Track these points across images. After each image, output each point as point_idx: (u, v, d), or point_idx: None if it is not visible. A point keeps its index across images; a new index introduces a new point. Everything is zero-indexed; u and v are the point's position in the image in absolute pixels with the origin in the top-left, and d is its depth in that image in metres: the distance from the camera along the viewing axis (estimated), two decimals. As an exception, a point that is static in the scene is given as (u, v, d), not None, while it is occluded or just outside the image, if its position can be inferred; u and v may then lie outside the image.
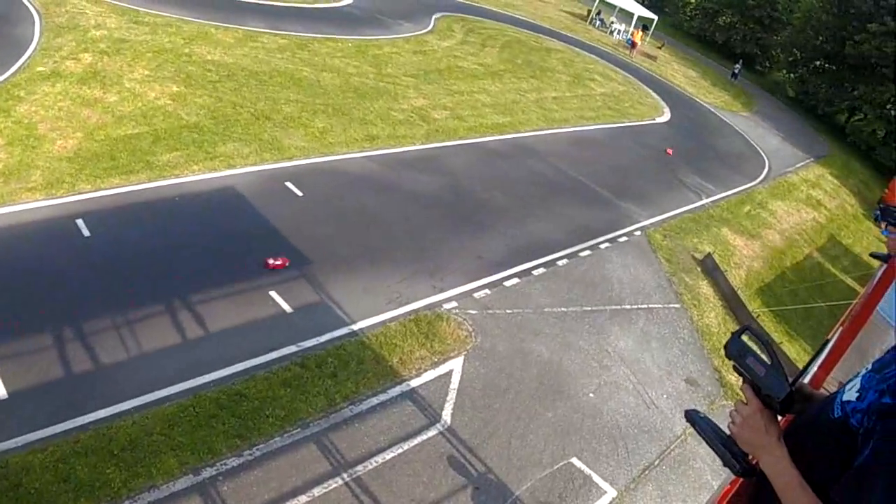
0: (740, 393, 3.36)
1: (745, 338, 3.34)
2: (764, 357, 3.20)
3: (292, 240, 18.41)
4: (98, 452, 11.80)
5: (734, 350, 3.33)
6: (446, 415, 14.77)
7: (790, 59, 79.40)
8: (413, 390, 15.12)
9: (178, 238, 17.36)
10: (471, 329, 17.49)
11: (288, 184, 20.90)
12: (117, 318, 14.54)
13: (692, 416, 3.52)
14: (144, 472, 11.70)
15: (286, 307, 16.15)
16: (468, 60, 41.30)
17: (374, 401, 14.50)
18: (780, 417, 3.24)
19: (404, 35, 42.32)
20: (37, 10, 29.16)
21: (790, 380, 3.14)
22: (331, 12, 42.49)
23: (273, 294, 16.38)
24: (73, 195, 17.92)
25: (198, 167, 20.05)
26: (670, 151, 38.47)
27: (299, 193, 20.62)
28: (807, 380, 6.19)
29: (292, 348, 15.13)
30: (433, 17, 49.15)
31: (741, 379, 3.31)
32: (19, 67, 23.77)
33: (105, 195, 18.10)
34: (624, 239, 25.21)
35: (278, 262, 17.27)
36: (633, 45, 64.13)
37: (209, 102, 23.62)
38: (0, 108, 21.14)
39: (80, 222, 16.94)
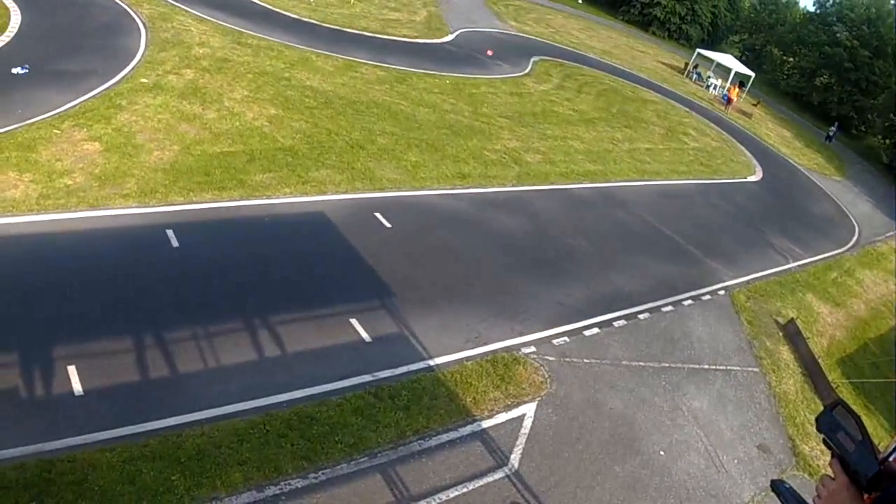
0: (814, 464, 3.43)
1: (835, 412, 3.39)
2: (854, 433, 3.25)
3: (377, 270, 18.75)
4: (165, 458, 12.25)
5: (825, 424, 3.37)
6: (514, 459, 14.85)
7: (886, 124, 77.86)
8: (484, 431, 15.26)
9: (265, 257, 17.97)
10: (547, 375, 17.54)
11: (377, 214, 21.35)
12: (198, 329, 15.15)
13: (777, 486, 3.62)
14: (209, 482, 12.08)
15: (365, 336, 16.49)
16: (563, 105, 41.69)
17: (444, 437, 14.68)
18: (865, 495, 3.27)
19: (502, 76, 42.95)
20: (144, 24, 30.57)
21: (879, 457, 3.18)
22: (431, 48, 43.44)
23: (354, 322, 16.75)
24: (166, 205, 18.75)
25: (290, 190, 20.67)
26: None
27: (388, 225, 21.03)
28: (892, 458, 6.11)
29: (367, 377, 15.43)
30: (531, 60, 49.81)
31: (829, 453, 3.36)
32: (123, 77, 24.99)
33: (196, 209, 18.86)
34: (707, 297, 25.01)
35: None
36: (728, 100, 63.86)
37: (305, 127, 24.36)
38: (101, 115, 22.19)
39: (169, 232, 17.72)
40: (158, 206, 18.62)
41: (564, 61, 54.11)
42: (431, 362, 16.49)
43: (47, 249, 16.74)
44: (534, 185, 28.34)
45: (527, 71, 46.79)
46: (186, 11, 33.54)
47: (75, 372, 13.44)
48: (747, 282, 27.99)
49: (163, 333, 14.75)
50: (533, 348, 18.33)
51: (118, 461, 11.90)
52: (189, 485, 11.87)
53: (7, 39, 27.89)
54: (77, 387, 13.15)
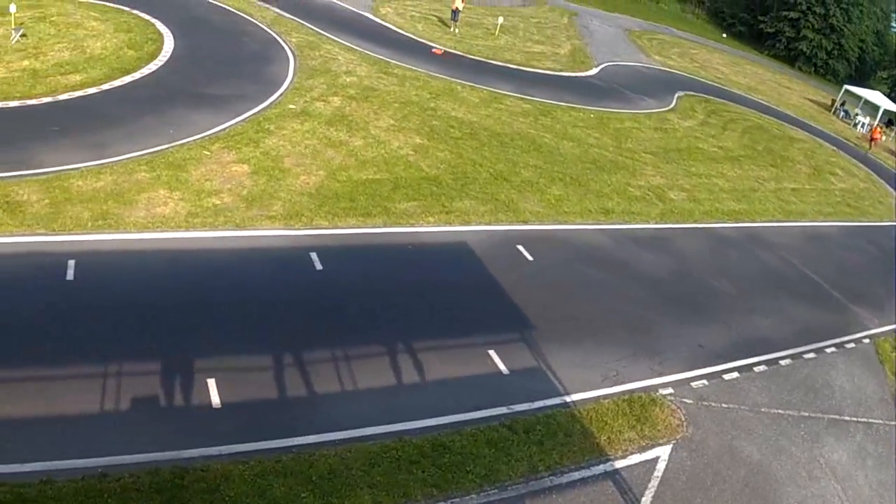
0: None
1: None
2: None
3: (517, 302, 18.39)
4: (297, 475, 12.29)
5: None
6: (646, 502, 14.23)
7: None
8: (616, 471, 14.71)
9: (406, 284, 17.93)
10: (683, 418, 16.79)
11: (519, 247, 21.04)
12: (337, 350, 15.19)
13: None
14: (338, 502, 11.99)
15: (503, 368, 16.21)
16: (708, 142, 40.56)
17: (576, 475, 14.20)
18: None
19: (646, 111, 42.19)
20: (292, 52, 31.33)
21: None
22: (575, 81, 43.12)
23: (492, 353, 16.49)
24: (310, 229, 18.94)
25: (433, 219, 20.59)
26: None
27: (529, 258, 20.68)
28: None
29: (503, 409, 15.13)
30: (676, 95, 48.80)
31: None
32: (272, 103, 25.58)
33: (341, 234, 19.00)
34: (851, 345, 23.56)
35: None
36: (872, 138, 60.96)
37: (450, 158, 24.31)
38: (251, 139, 22.67)
39: (313, 255, 17.87)
40: (303, 229, 18.82)
41: (709, 97, 52.83)
42: (568, 398, 16.07)
43: (194, 265, 17.22)
44: (677, 222, 27.53)
45: (671, 106, 45.86)
46: (334, 41, 34.26)
47: (215, 385, 13.72)
48: (894, 330, 26.40)
49: (302, 353, 14.89)
50: (671, 390, 17.62)
51: (250, 474, 12.03)
52: (318, 503, 11.85)
53: (161, 63, 28.99)
54: (215, 399, 13.42)
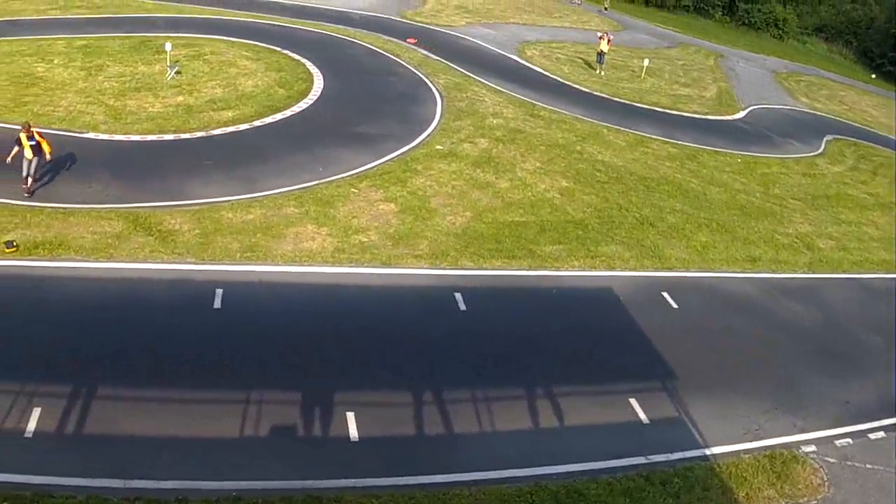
0: None
1: None
2: None
3: (660, 350, 17.80)
4: None
5: None
6: (781, 564, 13.34)
7: None
8: (754, 530, 13.78)
9: (549, 328, 17.51)
10: (825, 478, 15.71)
11: (664, 294, 20.40)
12: (477, 390, 14.97)
13: None
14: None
15: (643, 417, 15.60)
16: (858, 188, 38.64)
17: (712, 531, 13.43)
18: None
19: (794, 155, 40.59)
20: (440, 93, 31.63)
21: None
22: (722, 125, 42.00)
23: (632, 401, 15.88)
24: (456, 269, 18.86)
25: (578, 263, 20.22)
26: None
27: (674, 305, 20.03)
28: None
29: (640, 459, 14.53)
30: (824, 139, 46.82)
31: None
32: (419, 143, 25.87)
33: (485, 275, 18.84)
34: None
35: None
36: None
37: (596, 201, 23.93)
38: (398, 178, 22.89)
39: (458, 296, 17.73)
40: (449, 269, 18.76)
41: (859, 141, 50.47)
42: (707, 451, 15.30)
43: (339, 300, 17.41)
44: (825, 272, 26.26)
45: (819, 151, 44.03)
46: (481, 82, 34.44)
47: (353, 418, 13.77)
48: None
49: (442, 391, 14.76)
50: (813, 447, 16.54)
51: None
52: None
53: (311, 102, 29.75)
54: (353, 432, 13.47)
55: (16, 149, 19.97)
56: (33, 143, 20.06)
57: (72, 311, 16.53)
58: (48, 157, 20.56)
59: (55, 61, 34.24)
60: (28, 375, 14.38)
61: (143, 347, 15.42)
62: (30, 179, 20.37)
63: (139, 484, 12.18)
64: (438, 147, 25.48)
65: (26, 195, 20.21)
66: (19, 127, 21.23)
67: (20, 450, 12.79)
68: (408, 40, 41.40)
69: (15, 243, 18.49)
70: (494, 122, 28.71)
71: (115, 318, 16.24)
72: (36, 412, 13.45)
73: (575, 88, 37.81)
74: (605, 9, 70.55)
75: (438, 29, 45.90)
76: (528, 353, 16.37)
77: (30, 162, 20.19)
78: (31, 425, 13.20)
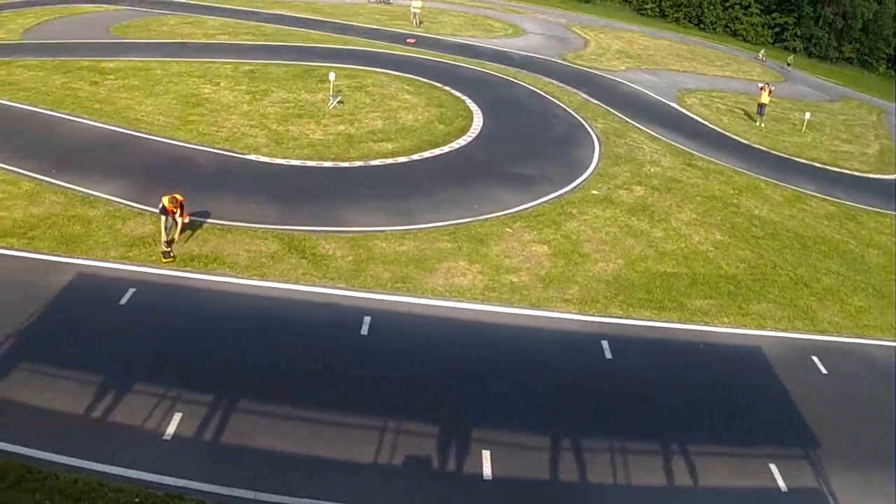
0: None
1: None
2: None
3: (806, 417, 17.06)
4: None
5: None
6: None
7: None
8: None
9: (694, 383, 17.04)
10: None
11: (814, 358, 19.57)
12: (614, 440, 14.71)
13: None
14: None
15: (782, 484, 14.84)
16: None
17: None
18: None
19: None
20: (598, 138, 31.60)
21: None
22: (883, 184, 40.00)
23: (772, 467, 15.20)
24: (603, 317, 18.67)
25: (728, 320, 19.65)
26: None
27: (823, 370, 19.17)
28: None
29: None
30: None
31: None
32: (575, 187, 25.88)
33: (633, 324, 18.56)
34: None
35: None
36: None
37: (750, 257, 23.30)
38: (552, 220, 22.95)
39: (604, 343, 17.53)
40: (597, 316, 18.57)
41: None
42: (845, 527, 14.49)
43: (486, 338, 17.49)
44: None
45: None
46: (639, 129, 34.20)
47: (489, 456, 13.80)
48: None
49: (580, 438, 14.57)
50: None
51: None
52: None
53: (469, 139, 30.19)
54: (487, 471, 13.50)
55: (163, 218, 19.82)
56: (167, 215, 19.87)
57: (221, 324, 17.39)
58: (185, 221, 20.19)
59: (221, 84, 36.06)
60: (173, 381, 15.22)
61: (287, 366, 16.04)
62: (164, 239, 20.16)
63: (269, 497, 12.65)
64: (594, 192, 25.40)
65: (164, 251, 20.45)
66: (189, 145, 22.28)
67: (157, 451, 13.51)
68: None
69: (172, 253, 19.54)
70: (651, 169, 28.42)
71: (262, 335, 16.96)
72: (177, 417, 14.22)
73: (733, 139, 36.99)
74: (788, 65, 68.92)
75: (598, 73, 45.91)
76: (670, 407, 15.96)
77: (168, 228, 19.96)
78: (171, 429, 13.95)
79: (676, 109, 40.24)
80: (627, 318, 18.65)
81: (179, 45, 44.68)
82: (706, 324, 19.23)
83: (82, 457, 13.20)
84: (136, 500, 12.37)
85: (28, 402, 14.58)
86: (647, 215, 24.14)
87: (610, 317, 18.61)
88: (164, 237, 19.83)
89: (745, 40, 65.09)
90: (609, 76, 45.27)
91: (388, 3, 65.36)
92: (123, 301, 17.91)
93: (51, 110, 31.36)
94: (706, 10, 68.84)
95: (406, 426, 14.41)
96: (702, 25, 69.15)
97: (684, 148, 32.23)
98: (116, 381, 15.11)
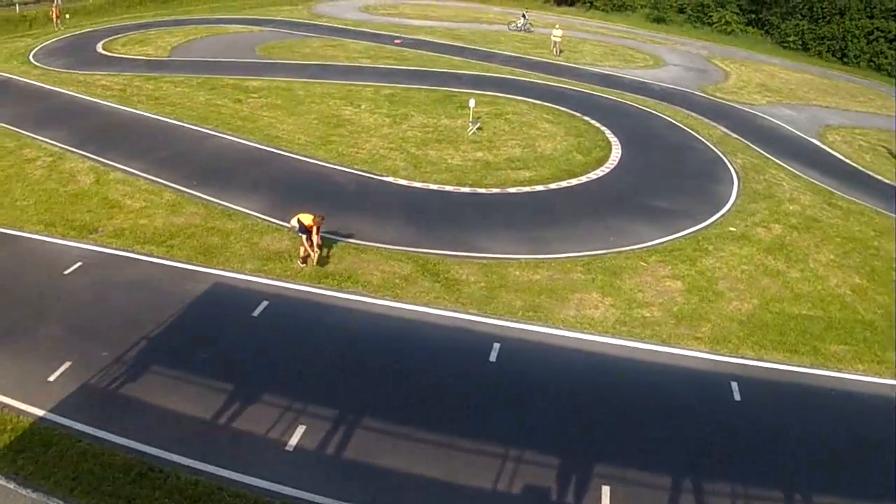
0: None
1: None
2: None
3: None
4: None
5: None
6: None
7: None
8: None
9: (823, 431, 16.38)
10: None
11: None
12: (737, 484, 14.41)
13: None
14: None
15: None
16: None
17: None
18: None
19: None
20: (737, 173, 31.12)
21: None
22: None
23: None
24: (734, 357, 18.43)
25: (862, 367, 18.95)
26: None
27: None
28: None
29: None
30: None
31: None
32: (712, 223, 25.65)
33: (764, 367, 18.20)
34: None
35: None
36: None
37: (888, 303, 22.46)
38: (687, 256, 22.81)
39: (733, 385, 17.30)
40: (728, 356, 18.36)
41: None
42: None
43: (614, 372, 17.60)
44: None
45: None
46: (779, 165, 33.44)
47: (608, 492, 13.84)
48: None
49: (703, 480, 14.39)
50: None
51: None
52: None
53: (607, 171, 30.26)
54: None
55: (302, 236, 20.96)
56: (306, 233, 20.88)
57: (351, 341, 18.11)
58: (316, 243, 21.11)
59: (362, 106, 37.26)
60: (299, 394, 15.99)
61: (414, 387, 16.59)
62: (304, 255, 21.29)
63: None
64: (731, 229, 25.08)
65: (301, 264, 21.40)
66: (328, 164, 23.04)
67: (279, 461, 14.21)
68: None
69: (308, 260, 20.59)
70: (790, 207, 27.78)
71: (390, 356, 17.62)
72: (301, 429, 14.97)
73: (876, 179, 35.59)
74: None
75: (739, 106, 45.06)
76: (797, 455, 15.47)
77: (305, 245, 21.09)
78: (294, 440, 14.69)
79: (817, 146, 39.08)
80: (759, 359, 18.33)
81: (322, 68, 46.26)
82: (840, 370, 18.68)
83: (204, 460, 14.11)
84: None
85: (156, 403, 15.68)
86: (783, 255, 23.65)
87: (741, 357, 18.35)
88: (305, 252, 20.96)
89: (889, 75, 62.33)
90: (749, 110, 44.38)
91: (530, 31, 65.83)
92: (256, 313, 18.97)
93: (195, 125, 33.29)
94: (850, 43, 66.37)
95: (527, 455, 14.66)
96: (845, 59, 66.66)
97: (825, 186, 31.32)
98: (244, 390, 16.06)
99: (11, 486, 13.32)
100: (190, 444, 14.47)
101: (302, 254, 21.14)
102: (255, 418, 15.26)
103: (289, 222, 21.42)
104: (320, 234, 20.91)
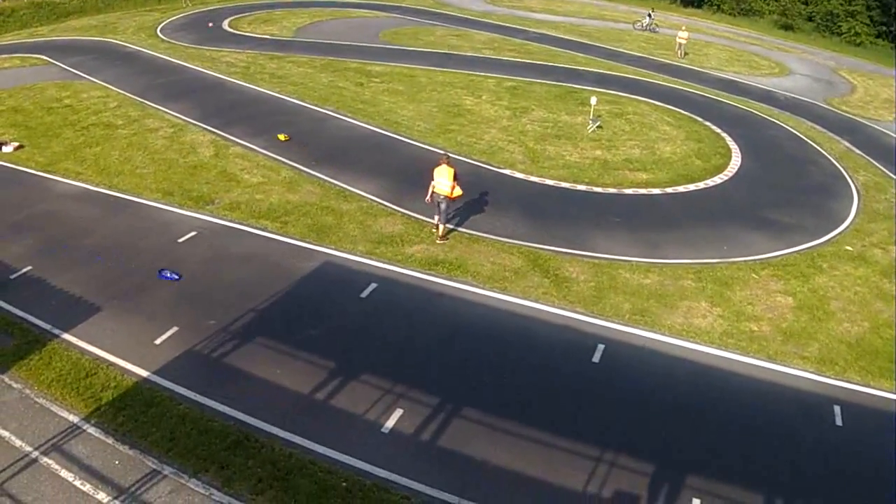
0: None
1: None
2: None
3: None
4: None
5: None
6: None
7: None
8: None
9: None
10: None
11: None
12: None
13: None
14: None
15: None
16: None
17: None
18: None
19: None
20: (857, 191, 29.88)
21: None
22: None
23: None
24: (840, 380, 17.61)
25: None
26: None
27: None
28: None
29: None
30: None
31: None
32: (828, 240, 24.67)
33: (869, 393, 17.33)
34: None
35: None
36: None
37: None
38: (801, 272, 22.04)
39: (836, 408, 16.54)
40: (833, 378, 17.52)
41: None
42: None
43: (717, 385, 17.05)
44: None
45: None
46: (901, 184, 31.96)
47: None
48: None
49: (791, 502, 13.85)
50: None
51: None
52: None
53: (725, 178, 29.47)
54: None
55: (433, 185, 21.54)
56: (445, 183, 21.37)
57: (456, 330, 18.12)
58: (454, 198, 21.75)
59: (483, 97, 37.15)
60: (400, 377, 16.07)
61: (515, 381, 16.44)
62: (440, 225, 22.03)
63: None
64: (848, 248, 24.03)
65: (439, 241, 21.96)
66: (442, 152, 23.22)
67: (374, 441, 14.33)
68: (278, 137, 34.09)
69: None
70: (920, 229, 26.53)
71: (494, 347, 17.53)
72: (398, 412, 15.06)
73: None
74: None
75: (864, 121, 43.18)
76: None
77: (439, 205, 21.70)
78: (391, 423, 14.78)
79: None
80: (865, 385, 17.47)
81: (445, 56, 46.30)
82: (949, 404, 17.73)
83: (301, 434, 14.34)
84: (344, 484, 13.22)
85: (258, 374, 16.03)
86: (904, 276, 22.56)
87: (847, 381, 17.53)
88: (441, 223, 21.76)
89: None
90: (875, 126, 42.42)
91: (655, 32, 64.52)
92: (364, 294, 19.18)
93: (316, 106, 33.90)
94: (984, 59, 62.93)
95: (621, 460, 14.40)
96: (982, 75, 63.29)
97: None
98: (347, 369, 16.26)
99: (110, 441, 13.88)
100: (288, 417, 14.75)
101: (441, 231, 21.85)
102: (353, 398, 15.44)
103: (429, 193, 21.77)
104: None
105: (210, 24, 52.55)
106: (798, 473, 14.60)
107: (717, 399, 16.46)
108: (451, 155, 22.77)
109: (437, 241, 21.83)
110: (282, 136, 30.02)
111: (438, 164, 21.42)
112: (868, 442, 15.77)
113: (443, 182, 21.26)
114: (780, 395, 16.87)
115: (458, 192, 21.38)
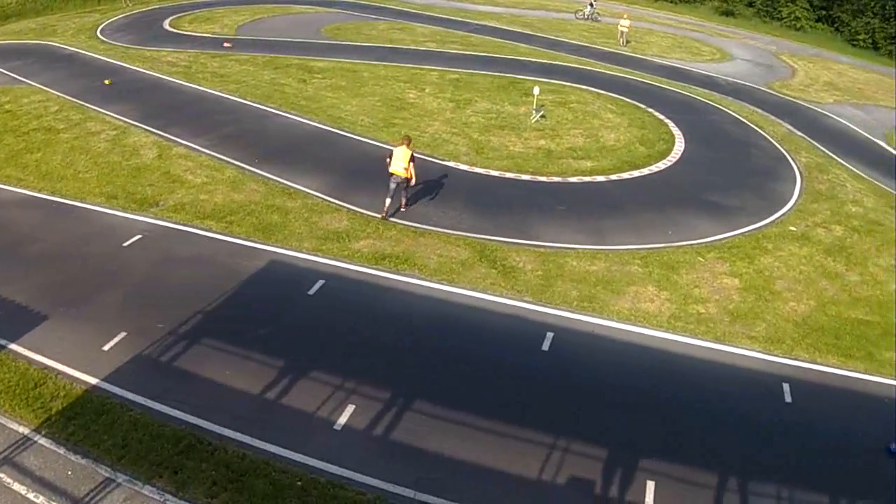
0: None
1: None
2: None
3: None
4: None
5: None
6: None
7: None
8: None
9: (876, 438, 15.47)
10: None
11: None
12: (783, 488, 13.92)
13: None
14: None
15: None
16: None
17: None
18: None
19: None
20: (800, 172, 30.35)
21: None
22: None
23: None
24: (787, 358, 17.86)
25: (916, 373, 18.22)
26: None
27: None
28: None
29: None
30: None
31: None
32: (772, 221, 25.00)
33: (817, 370, 17.61)
34: None
35: None
36: None
37: (950, 311, 21.69)
38: (746, 253, 22.28)
39: (785, 386, 16.75)
40: (781, 357, 17.80)
41: None
42: None
43: (664, 367, 17.23)
44: None
45: None
46: (843, 166, 32.35)
47: (652, 488, 13.55)
48: None
49: (749, 481, 13.98)
50: None
51: None
52: None
53: (669, 164, 29.68)
54: (650, 501, 13.28)
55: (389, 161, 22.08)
56: (400, 165, 21.94)
57: (404, 324, 17.99)
58: (411, 183, 22.45)
59: (426, 90, 37.04)
60: (351, 373, 15.86)
61: (465, 373, 16.39)
62: (388, 202, 22.46)
63: (428, 499, 12.97)
64: (792, 228, 24.36)
65: (380, 216, 22.29)
66: (390, 146, 23.26)
67: (327, 439, 14.17)
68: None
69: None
70: (853, 209, 26.86)
71: (443, 340, 17.48)
72: (350, 408, 14.90)
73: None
74: None
75: (805, 104, 43.87)
76: (844, 460, 14.88)
77: (397, 185, 22.10)
78: (343, 419, 14.64)
79: (883, 147, 37.70)
80: (812, 362, 17.75)
81: (388, 50, 46.11)
82: (893, 377, 18.03)
83: (253, 435, 14.10)
84: (299, 483, 13.04)
85: (209, 377, 15.74)
86: (843, 257, 22.87)
87: (795, 359, 17.79)
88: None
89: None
90: (815, 108, 43.12)
91: (597, 21, 64.87)
92: (312, 291, 18.96)
93: (258, 104, 33.48)
94: (922, 43, 64.28)
95: (574, 446, 14.42)
96: (917, 60, 64.62)
97: (889, 189, 30.24)
98: (297, 367, 16.03)
99: (62, 451, 13.53)
100: (240, 419, 14.50)
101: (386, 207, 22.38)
102: (305, 396, 15.25)
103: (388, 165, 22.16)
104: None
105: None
106: (751, 451, 14.74)
107: (668, 382, 16.59)
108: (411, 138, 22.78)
109: (380, 217, 22.45)
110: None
111: (399, 144, 21.63)
112: (817, 417, 16.03)
113: (398, 163, 21.62)
114: (730, 376, 17.07)
115: (412, 174, 22.04)
